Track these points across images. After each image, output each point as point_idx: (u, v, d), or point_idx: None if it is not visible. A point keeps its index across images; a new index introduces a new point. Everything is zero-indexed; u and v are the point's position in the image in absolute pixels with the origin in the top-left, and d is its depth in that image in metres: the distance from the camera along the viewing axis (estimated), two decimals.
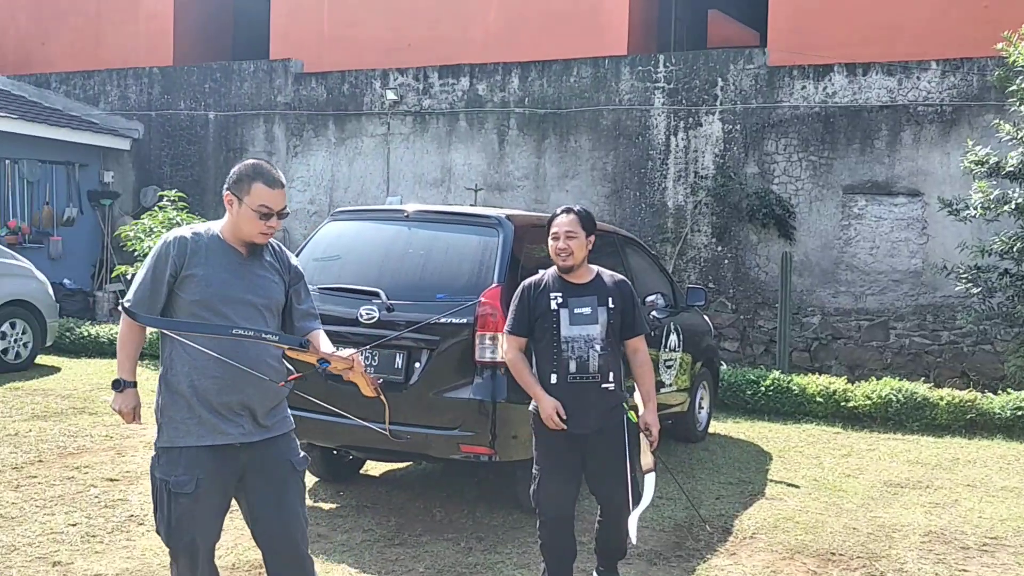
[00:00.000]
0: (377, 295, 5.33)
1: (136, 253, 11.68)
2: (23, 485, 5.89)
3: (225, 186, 3.36)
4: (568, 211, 4.30)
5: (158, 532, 3.31)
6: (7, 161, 13.79)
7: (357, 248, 5.67)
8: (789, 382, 9.11)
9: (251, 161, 3.39)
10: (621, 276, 4.44)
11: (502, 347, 4.48)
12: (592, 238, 4.31)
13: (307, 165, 14.46)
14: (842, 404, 8.84)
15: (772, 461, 7.35)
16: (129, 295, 3.31)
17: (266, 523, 3.34)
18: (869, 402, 8.73)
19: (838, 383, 9.03)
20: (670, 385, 7.18)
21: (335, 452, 5.93)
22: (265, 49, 15.31)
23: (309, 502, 5.83)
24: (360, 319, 5.32)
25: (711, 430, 8.28)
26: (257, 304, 3.34)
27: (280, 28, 15.03)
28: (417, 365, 5.24)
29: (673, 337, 7.16)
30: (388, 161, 13.94)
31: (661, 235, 12.64)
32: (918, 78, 11.44)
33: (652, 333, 6.83)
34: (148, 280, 3.30)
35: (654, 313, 7.07)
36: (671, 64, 12.61)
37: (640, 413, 4.26)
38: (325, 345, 3.39)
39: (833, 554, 5.12)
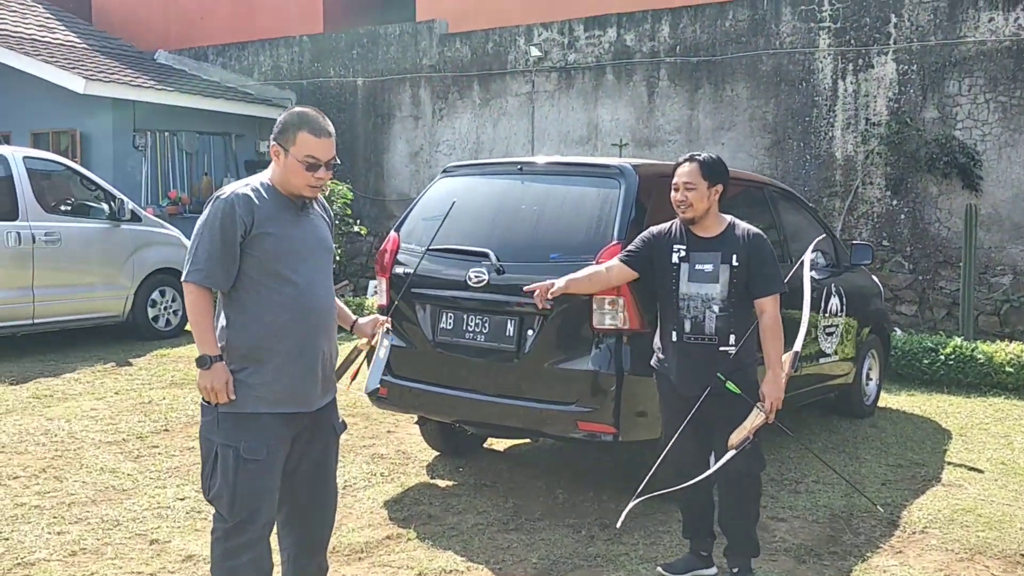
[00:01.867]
0: (487, 256, 4.84)
1: None
2: (143, 455, 5.78)
3: (271, 136, 3.12)
4: (692, 159, 3.98)
5: (210, 500, 3.17)
6: (166, 133, 14.10)
7: (467, 205, 5.16)
8: (973, 350, 8.06)
9: (298, 109, 3.19)
10: (757, 230, 3.98)
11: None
12: (719, 187, 3.95)
13: (452, 128, 14.13)
14: None
15: (951, 440, 6.45)
16: (197, 265, 3.10)
17: (302, 482, 3.27)
18: None
19: None
20: (832, 354, 6.39)
21: (453, 426, 5.50)
22: (413, 11, 15.08)
23: (426, 479, 5.45)
24: (469, 282, 4.84)
25: (881, 404, 7.40)
26: (323, 254, 3.29)
27: None
28: (530, 333, 4.72)
29: (835, 300, 6.35)
30: (533, 120, 13.42)
31: (829, 189, 11.60)
32: None
33: (812, 295, 6.06)
34: (218, 245, 3.08)
35: (813, 273, 6.26)
36: (838, 1, 11.48)
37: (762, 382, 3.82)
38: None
39: (1023, 556, 4.30)
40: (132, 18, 17.74)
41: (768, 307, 3.86)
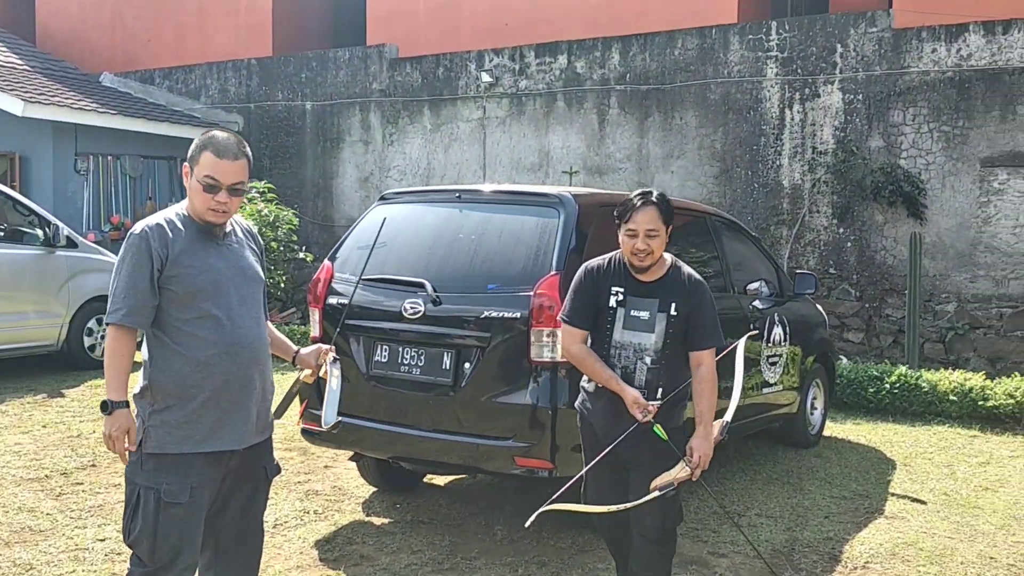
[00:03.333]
0: (423, 286, 4.71)
1: None
2: (65, 493, 5.54)
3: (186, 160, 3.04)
4: (646, 202, 3.60)
5: (130, 544, 3.03)
6: (109, 157, 13.80)
7: (404, 233, 5.04)
8: (918, 378, 8.08)
9: (212, 131, 3.09)
10: (698, 276, 3.72)
11: (561, 341, 3.87)
12: (670, 227, 3.65)
13: (403, 153, 14.02)
14: (980, 404, 7.77)
15: (895, 470, 6.42)
16: (115, 305, 2.98)
17: (228, 524, 3.18)
18: (1012, 401, 7.64)
19: (975, 379, 7.95)
20: (775, 384, 6.34)
21: (390, 462, 5.34)
22: (364, 35, 14.99)
23: (361, 516, 5.28)
24: (404, 313, 4.71)
25: (826, 433, 7.37)
26: (248, 284, 3.15)
27: (376, 12, 14.71)
28: (467, 366, 4.60)
29: (778, 330, 6.31)
30: (484, 146, 13.36)
31: (776, 217, 11.65)
32: None
33: (753, 326, 6.02)
34: (135, 282, 2.97)
35: (756, 303, 6.25)
36: (784, 31, 11.59)
37: (690, 437, 3.59)
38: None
39: None
40: (77, 40, 17.44)
41: (705, 360, 3.62)
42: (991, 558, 4.67)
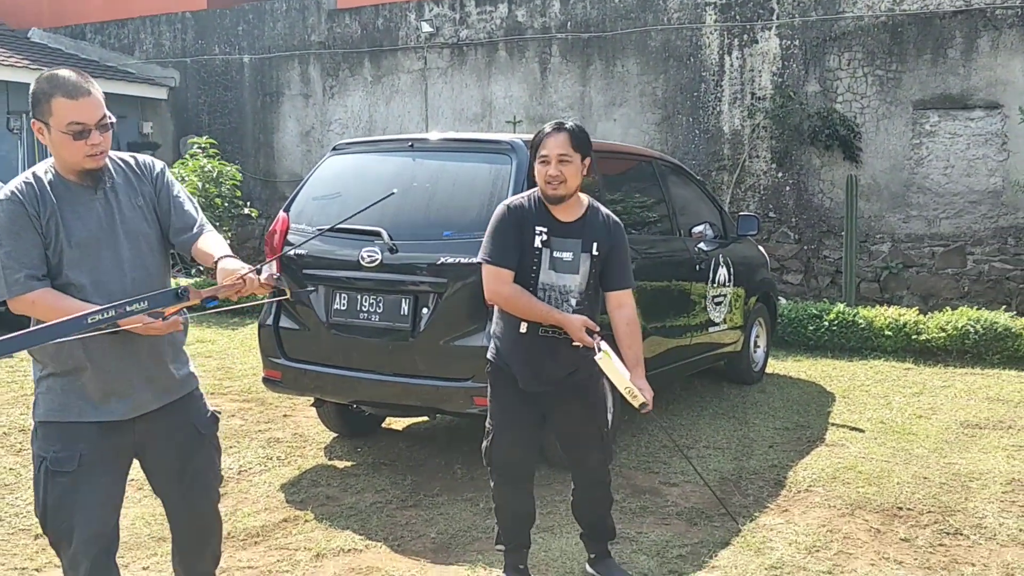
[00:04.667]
0: (379, 235, 4.80)
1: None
2: (25, 449, 5.56)
3: (31, 113, 2.68)
4: (559, 128, 3.49)
5: (36, 515, 2.81)
6: None
7: (358, 183, 5.12)
8: (855, 315, 8.40)
9: (48, 73, 2.69)
10: (615, 218, 3.66)
11: (486, 285, 3.63)
12: (588, 161, 3.52)
13: (344, 106, 13.94)
14: (913, 338, 8.11)
15: (835, 402, 6.71)
16: (9, 280, 2.63)
17: (170, 498, 2.95)
18: (944, 334, 7.99)
19: (909, 315, 8.29)
20: (721, 323, 6.56)
21: (351, 407, 5.46)
22: None
23: (324, 460, 5.40)
24: (362, 262, 4.80)
25: (769, 370, 7.65)
26: (129, 240, 2.76)
27: None
28: (425, 311, 4.72)
29: (722, 271, 6.52)
30: (426, 98, 13.35)
31: (717, 162, 11.88)
32: None
33: (698, 268, 6.22)
34: (14, 248, 2.62)
35: (701, 245, 6.43)
36: None
37: (629, 378, 3.44)
38: (219, 251, 2.74)
39: (900, 508, 4.51)
40: None
41: (626, 301, 3.58)
42: (924, 478, 4.96)
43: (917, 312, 8.44)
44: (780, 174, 11.61)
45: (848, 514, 4.46)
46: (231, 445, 5.59)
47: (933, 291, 10.82)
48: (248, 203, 12.85)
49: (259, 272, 2.62)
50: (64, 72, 2.68)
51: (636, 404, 3.42)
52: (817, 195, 11.44)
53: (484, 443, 3.71)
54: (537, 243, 3.50)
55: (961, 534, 4.22)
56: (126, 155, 2.90)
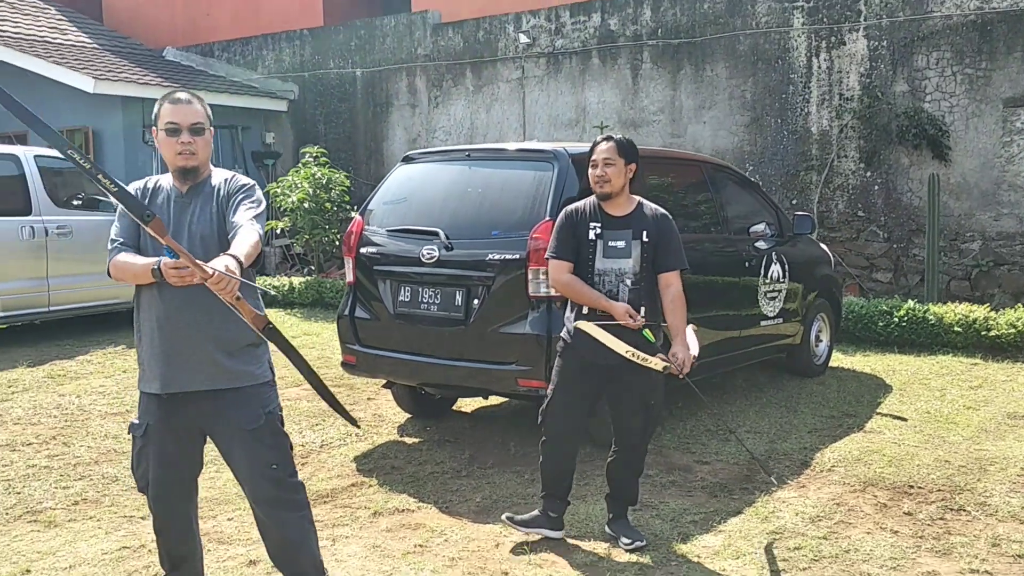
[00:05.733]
0: (437, 234, 5.40)
1: (282, 209, 12.31)
2: None
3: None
4: (608, 139, 4.28)
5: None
6: None
7: (422, 189, 5.76)
8: (925, 312, 8.54)
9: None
10: (663, 210, 4.32)
11: (550, 275, 4.39)
12: (633, 166, 4.24)
13: (448, 115, 14.67)
14: (983, 334, 8.21)
15: (890, 394, 6.95)
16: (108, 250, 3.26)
17: (240, 479, 3.36)
18: (1014, 331, 8.07)
19: (979, 311, 8.38)
20: (774, 316, 6.90)
21: (419, 390, 6.08)
22: (409, 2, 15.63)
23: (396, 437, 6.04)
24: (422, 259, 5.42)
25: (834, 364, 7.91)
26: (193, 238, 3.20)
27: None
28: (476, 302, 5.29)
29: (775, 267, 6.85)
30: (524, 105, 13.94)
31: (805, 163, 12.05)
32: None
33: (748, 264, 6.59)
34: (122, 226, 3.26)
35: (760, 243, 6.81)
36: None
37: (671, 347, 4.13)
38: (236, 247, 3.04)
39: (911, 487, 4.82)
40: (141, 16, 18.38)
41: (673, 281, 4.17)
42: (946, 461, 5.22)
43: (988, 308, 8.51)
44: (868, 174, 11.70)
45: (860, 490, 4.80)
46: (317, 423, 6.30)
47: None
48: (357, 207, 13.71)
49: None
50: (176, 91, 3.32)
51: (656, 367, 3.97)
52: (906, 194, 11.49)
53: (543, 406, 4.33)
54: (591, 236, 4.20)
55: (964, 510, 4.52)
56: (230, 173, 3.37)
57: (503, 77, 14.17)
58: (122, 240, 3.25)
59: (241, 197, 3.28)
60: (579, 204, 4.36)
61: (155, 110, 3.28)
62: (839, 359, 8.09)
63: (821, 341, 7.69)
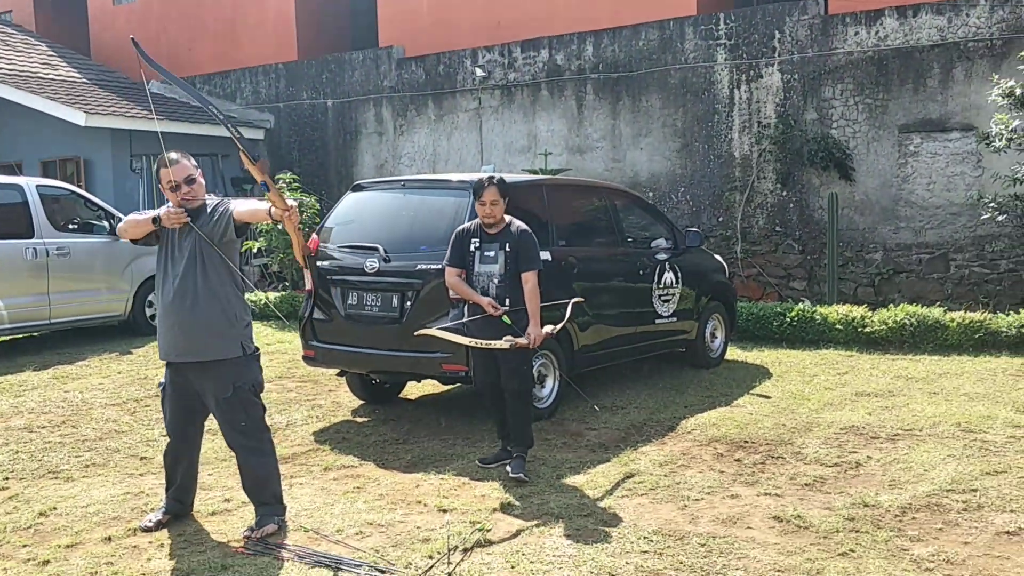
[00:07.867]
0: (377, 250, 6.70)
1: (258, 229, 13.60)
2: (138, 412, 7.63)
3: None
4: (491, 182, 5.60)
5: None
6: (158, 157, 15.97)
7: (366, 212, 7.08)
8: (813, 312, 9.89)
9: (160, 156, 4.69)
10: (525, 226, 5.70)
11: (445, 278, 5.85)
12: (507, 199, 5.64)
13: (412, 142, 16.01)
14: (860, 330, 9.56)
15: (768, 380, 8.26)
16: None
17: (220, 429, 4.84)
18: (885, 327, 9.42)
19: (857, 311, 9.74)
20: (669, 316, 8.21)
21: (368, 378, 7.36)
22: (376, 38, 16.99)
23: (349, 417, 7.30)
24: (366, 269, 6.71)
25: (731, 357, 9.22)
26: (192, 260, 4.54)
27: (386, 16, 16.65)
28: (408, 304, 6.59)
29: (668, 275, 8.16)
30: (481, 133, 15.29)
31: (730, 184, 13.43)
32: (967, 15, 11.73)
33: (641, 272, 7.90)
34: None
35: (658, 255, 8.13)
36: (731, 21, 13.32)
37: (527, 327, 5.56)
38: (242, 206, 4.60)
39: (746, 442, 6.13)
40: (127, 50, 19.37)
41: (530, 278, 5.54)
42: (783, 424, 6.54)
43: (865, 308, 9.88)
44: (784, 193, 13.09)
45: (705, 444, 6.12)
46: (283, 408, 7.57)
47: (921, 294, 12.12)
48: None
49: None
50: (169, 154, 4.59)
51: (501, 347, 5.45)
52: (817, 211, 12.88)
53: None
54: (472, 248, 5.66)
55: (782, 459, 5.82)
56: (216, 200, 4.68)
57: (462, 107, 15.52)
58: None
59: (228, 204, 4.68)
60: (467, 224, 5.81)
61: (155, 170, 4.70)
62: (736, 354, 9.41)
63: (716, 338, 9.01)
